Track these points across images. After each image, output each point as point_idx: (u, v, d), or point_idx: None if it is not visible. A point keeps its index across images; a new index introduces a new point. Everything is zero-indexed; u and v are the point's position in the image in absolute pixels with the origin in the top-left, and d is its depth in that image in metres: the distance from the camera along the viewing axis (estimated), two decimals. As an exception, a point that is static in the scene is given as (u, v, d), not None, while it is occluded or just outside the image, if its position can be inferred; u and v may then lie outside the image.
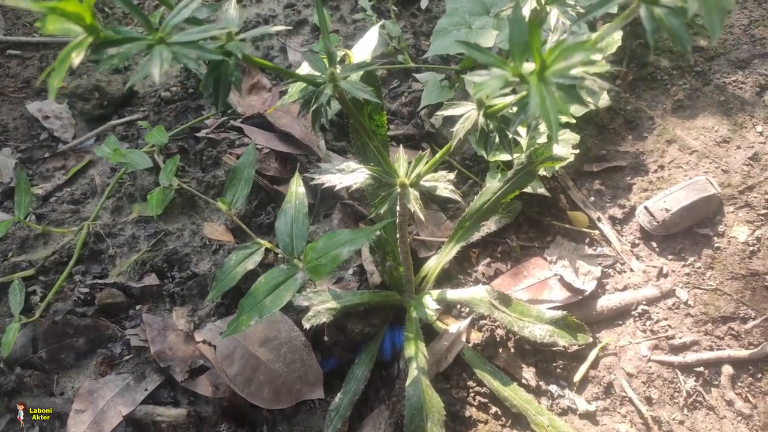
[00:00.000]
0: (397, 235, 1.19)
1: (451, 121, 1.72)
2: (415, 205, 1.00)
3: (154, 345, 1.23)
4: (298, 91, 1.05)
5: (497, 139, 0.91)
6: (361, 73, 1.10)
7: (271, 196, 1.46)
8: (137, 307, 1.32)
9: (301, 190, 1.10)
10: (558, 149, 1.44)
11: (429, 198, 1.58)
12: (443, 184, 1.05)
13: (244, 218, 1.41)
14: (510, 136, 0.89)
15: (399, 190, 1.02)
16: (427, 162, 1.03)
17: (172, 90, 1.73)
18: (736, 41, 1.83)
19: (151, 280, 1.31)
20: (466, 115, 0.89)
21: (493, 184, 1.38)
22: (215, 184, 1.45)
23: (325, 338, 1.29)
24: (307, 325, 1.22)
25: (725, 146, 1.62)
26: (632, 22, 1.86)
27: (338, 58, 1.10)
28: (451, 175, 1.05)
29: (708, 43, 1.84)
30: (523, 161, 1.33)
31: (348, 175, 1.05)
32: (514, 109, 0.73)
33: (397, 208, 1.11)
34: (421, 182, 1.04)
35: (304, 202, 1.08)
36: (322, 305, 1.24)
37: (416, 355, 1.23)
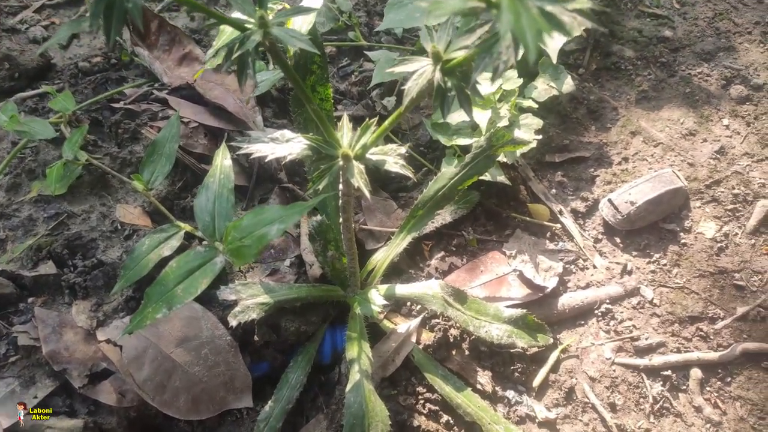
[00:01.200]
0: (340, 220, 1.04)
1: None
2: (359, 180, 0.85)
3: (47, 344, 1.04)
4: (224, 43, 0.89)
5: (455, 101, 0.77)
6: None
7: (198, 176, 1.28)
8: (29, 299, 1.12)
9: (228, 162, 0.94)
10: (520, 133, 1.33)
11: (379, 185, 1.44)
12: (393, 158, 0.90)
13: (166, 201, 1.23)
14: (470, 95, 0.76)
15: (341, 163, 0.87)
16: (374, 132, 0.88)
17: (93, 61, 1.53)
18: (701, 33, 1.77)
19: (48, 268, 1.11)
20: (420, 71, 0.76)
21: (449, 170, 1.25)
22: (132, 161, 1.26)
23: (255, 338, 1.13)
24: (233, 323, 1.05)
25: (691, 139, 1.55)
26: (596, 11, 1.78)
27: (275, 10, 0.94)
28: (402, 149, 0.91)
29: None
30: (482, 144, 1.21)
31: (282, 144, 0.89)
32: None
33: (340, 186, 0.96)
34: (368, 155, 0.89)
35: (230, 177, 0.92)
36: (251, 299, 1.08)
37: (359, 356, 1.08)
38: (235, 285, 1.09)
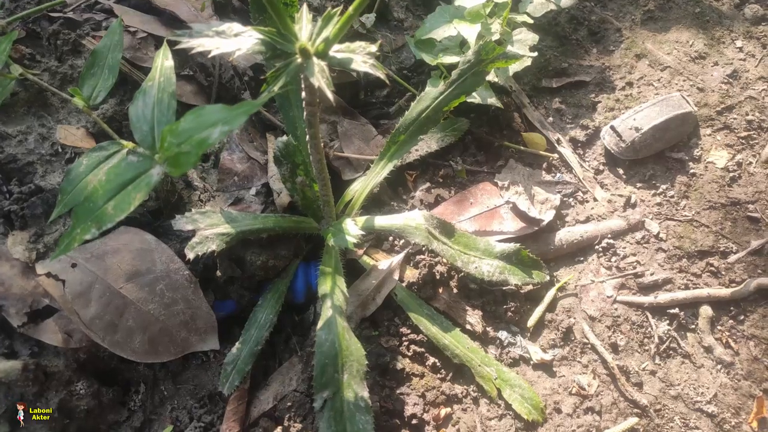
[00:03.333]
0: (307, 138, 0.91)
1: (385, 21, 1.44)
2: (320, 80, 0.73)
3: (-21, 279, 0.93)
4: None
5: None
6: None
7: (151, 95, 1.15)
8: (-42, 229, 1.01)
9: (169, 63, 0.81)
10: (513, 50, 1.19)
11: (359, 111, 1.31)
12: (362, 57, 0.77)
13: (113, 121, 1.10)
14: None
15: (300, 60, 0.74)
16: (338, 22, 0.75)
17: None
18: (714, -51, 1.61)
19: (-22, 194, 1.00)
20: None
21: (433, 89, 1.12)
22: (74, 77, 1.13)
23: (218, 273, 1.02)
24: (190, 255, 0.94)
25: (701, 62, 1.41)
26: None
27: None
28: (373, 47, 0.78)
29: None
30: (470, 59, 1.07)
31: (229, 39, 0.76)
32: None
33: (302, 95, 0.84)
34: (331, 52, 0.76)
35: (171, 80, 0.79)
36: (210, 230, 0.97)
37: (332, 291, 0.97)
38: (192, 214, 0.97)
